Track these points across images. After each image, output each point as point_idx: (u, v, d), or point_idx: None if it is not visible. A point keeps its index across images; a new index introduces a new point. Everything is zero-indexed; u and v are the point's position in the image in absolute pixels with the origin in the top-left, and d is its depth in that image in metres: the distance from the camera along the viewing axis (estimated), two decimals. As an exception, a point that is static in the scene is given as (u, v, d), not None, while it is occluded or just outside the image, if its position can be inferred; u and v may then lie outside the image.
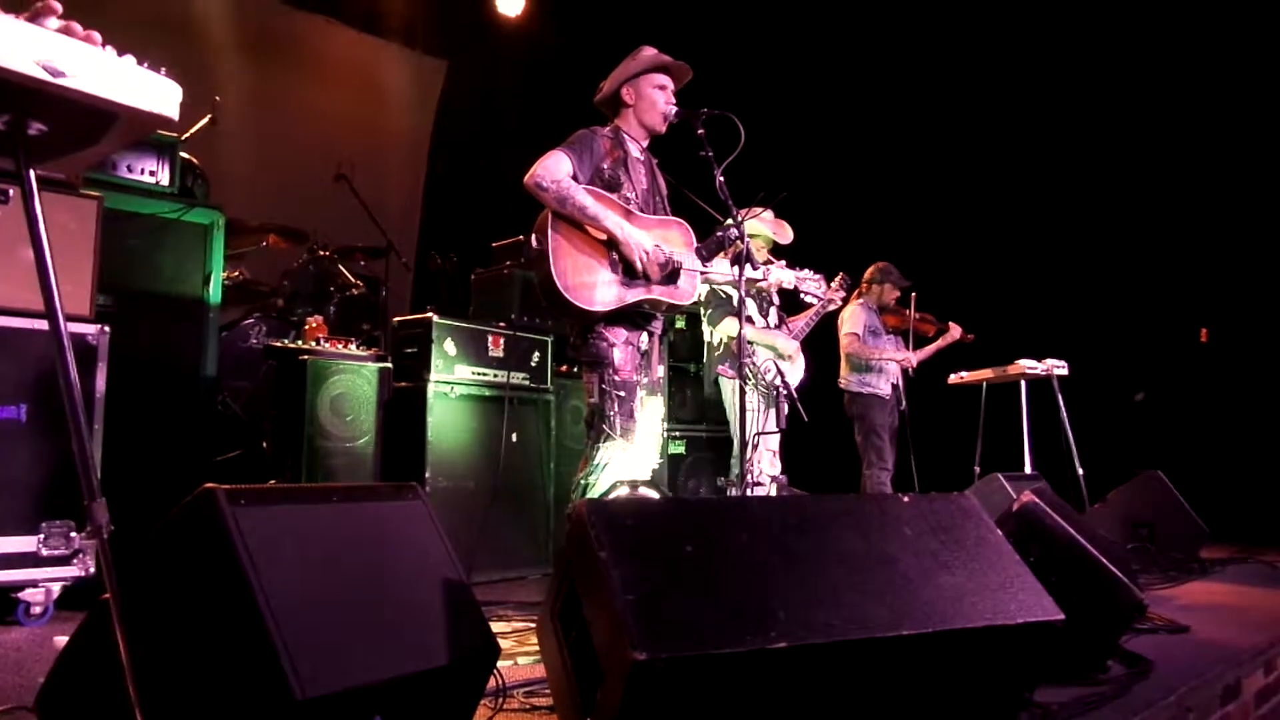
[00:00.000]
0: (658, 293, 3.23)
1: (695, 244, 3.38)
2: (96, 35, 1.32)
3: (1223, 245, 6.80)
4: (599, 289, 3.12)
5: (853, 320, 5.68)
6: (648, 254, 3.15)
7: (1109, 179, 7.12)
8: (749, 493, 3.82)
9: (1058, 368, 5.91)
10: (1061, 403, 5.85)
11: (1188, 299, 7.05)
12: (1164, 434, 6.88)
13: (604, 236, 3.14)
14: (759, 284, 3.94)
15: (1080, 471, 5.71)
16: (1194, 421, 6.92)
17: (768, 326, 4.76)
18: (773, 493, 4.39)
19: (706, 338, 4.87)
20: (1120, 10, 6.70)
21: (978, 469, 5.88)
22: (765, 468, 4.59)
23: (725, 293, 4.62)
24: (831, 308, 4.72)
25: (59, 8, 1.32)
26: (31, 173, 1.37)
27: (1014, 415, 5.98)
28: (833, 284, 4.55)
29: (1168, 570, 4.58)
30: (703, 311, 4.81)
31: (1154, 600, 3.55)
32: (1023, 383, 5.99)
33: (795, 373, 4.68)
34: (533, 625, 2.79)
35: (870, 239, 6.69)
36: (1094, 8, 6.82)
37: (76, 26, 1.31)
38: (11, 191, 2.88)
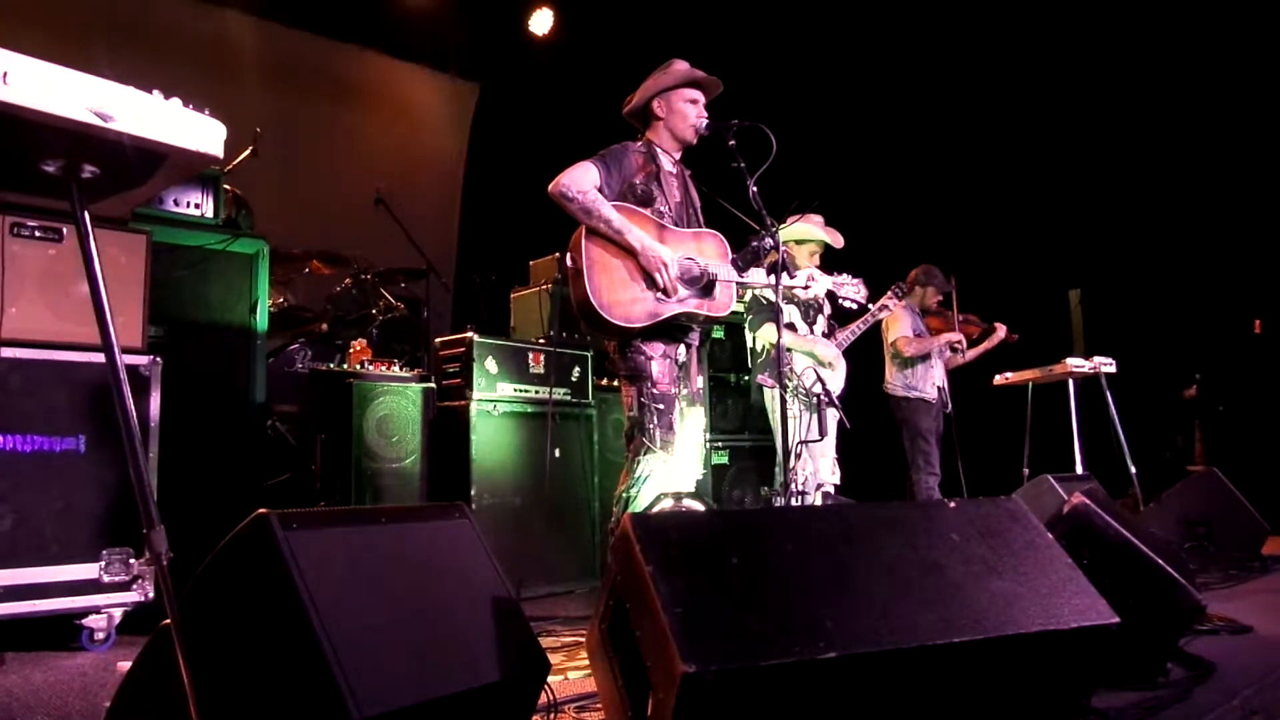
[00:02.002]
0: (693, 305, 3.24)
1: (731, 255, 3.38)
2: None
3: (1275, 232, 6.63)
4: (634, 304, 3.13)
5: (899, 324, 5.63)
6: (666, 267, 3.15)
7: (1153, 168, 6.99)
8: (794, 502, 3.80)
9: (1105, 365, 5.79)
10: (1111, 401, 5.74)
11: (1240, 289, 6.88)
12: (1219, 429, 6.72)
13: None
14: (794, 289, 3.90)
15: (1133, 470, 5.59)
16: (1250, 415, 6.74)
17: (811, 334, 4.73)
18: (818, 501, 4.36)
19: (749, 344, 4.85)
20: (1169, 5, 6.58)
21: (1026, 471, 5.78)
22: (826, 476, 4.56)
23: (766, 299, 4.60)
24: (883, 314, 4.69)
25: None
26: (86, 213, 1.42)
27: (1062, 415, 5.88)
28: (886, 295, 4.54)
29: (1228, 569, 4.46)
30: (745, 318, 4.80)
31: (1214, 600, 3.46)
32: (1070, 382, 5.88)
33: (836, 380, 4.64)
34: (582, 640, 2.80)
35: (912, 240, 6.64)
36: (1142, 7, 6.70)
37: None
38: (65, 230, 2.99)
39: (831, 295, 4.04)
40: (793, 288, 3.77)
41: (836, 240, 4.67)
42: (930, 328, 5.78)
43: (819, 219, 4.58)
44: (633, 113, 3.53)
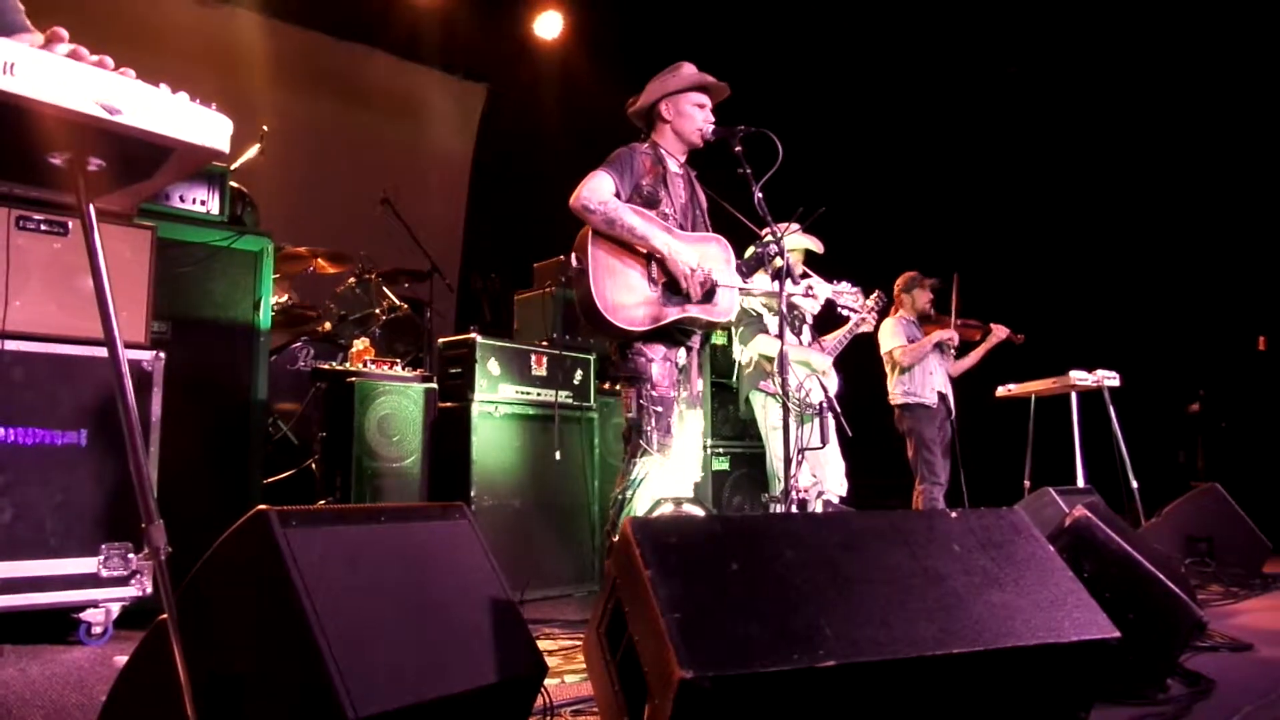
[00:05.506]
0: (695, 311, 3.24)
1: (734, 260, 3.39)
2: (109, 60, 1.35)
3: None
4: (638, 307, 3.14)
5: (893, 335, 5.62)
6: (692, 271, 3.16)
7: (1160, 182, 6.99)
8: (794, 509, 3.79)
9: (1109, 379, 5.77)
10: (1114, 415, 5.72)
11: (1244, 305, 6.87)
12: (1221, 445, 6.70)
13: (644, 254, 3.17)
14: (793, 298, 3.87)
15: (1135, 485, 5.57)
16: (1253, 432, 6.73)
17: (800, 344, 4.73)
18: (819, 509, 4.35)
19: (736, 356, 4.85)
20: (1181, 15, 6.57)
21: (1028, 483, 5.77)
22: (834, 487, 4.54)
23: (754, 311, 4.60)
24: (864, 328, 4.65)
25: (66, 34, 1.36)
26: (91, 207, 1.42)
27: (1065, 428, 5.86)
28: (868, 302, 4.50)
29: (1229, 586, 4.45)
30: (733, 331, 4.79)
31: (1215, 617, 3.46)
32: (1073, 395, 5.87)
33: (829, 388, 4.63)
34: (579, 643, 2.79)
35: (916, 248, 6.63)
36: (1153, 16, 6.69)
37: (84, 51, 1.34)
38: (70, 224, 2.99)
39: (830, 302, 4.02)
40: (793, 294, 3.75)
41: (818, 246, 4.67)
42: (929, 335, 5.76)
43: (795, 227, 4.58)
44: (638, 113, 3.53)
